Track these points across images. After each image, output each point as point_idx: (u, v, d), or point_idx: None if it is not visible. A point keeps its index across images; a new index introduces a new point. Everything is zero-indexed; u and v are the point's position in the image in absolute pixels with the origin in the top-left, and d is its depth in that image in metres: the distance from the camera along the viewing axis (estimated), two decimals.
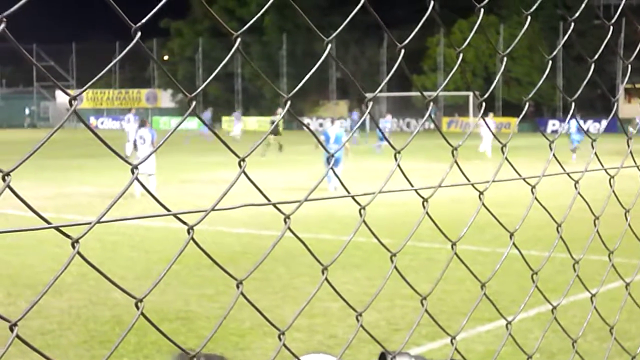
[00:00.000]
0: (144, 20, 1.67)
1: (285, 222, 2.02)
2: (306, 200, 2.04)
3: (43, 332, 9.66)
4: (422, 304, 2.51)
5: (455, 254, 2.57)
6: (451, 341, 2.62)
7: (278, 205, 2.00)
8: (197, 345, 7.08)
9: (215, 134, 1.89)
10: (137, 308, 1.75)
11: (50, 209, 19.56)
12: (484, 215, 2.65)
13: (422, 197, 2.40)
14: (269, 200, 1.97)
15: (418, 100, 74.22)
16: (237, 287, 1.97)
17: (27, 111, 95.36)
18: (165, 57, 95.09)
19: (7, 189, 1.46)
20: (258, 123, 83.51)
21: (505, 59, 2.75)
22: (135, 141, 25.02)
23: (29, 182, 25.47)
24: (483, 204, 2.58)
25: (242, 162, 1.90)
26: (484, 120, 2.58)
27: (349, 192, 2.17)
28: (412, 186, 2.36)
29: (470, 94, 71.04)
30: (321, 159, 29.99)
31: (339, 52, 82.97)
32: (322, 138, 28.37)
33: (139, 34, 1.66)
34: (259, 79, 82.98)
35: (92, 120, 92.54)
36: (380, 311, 10.12)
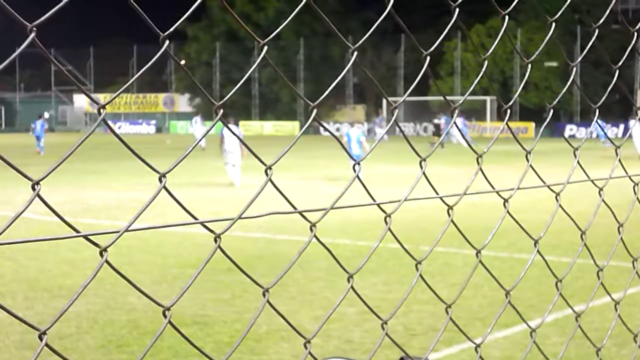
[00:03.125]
0: (171, 29, 1.67)
1: (312, 230, 2.02)
2: (332, 208, 2.03)
3: (61, 337, 9.67)
4: (447, 312, 2.50)
5: (480, 261, 2.56)
6: (475, 349, 2.61)
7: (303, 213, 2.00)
8: (214, 350, 7.10)
9: (242, 142, 1.89)
10: (165, 316, 1.76)
11: (67, 213, 19.60)
12: (501, 221, 2.64)
13: (448, 205, 2.39)
14: (295, 208, 1.96)
15: (435, 105, 74.14)
16: (264, 295, 1.98)
17: (46, 115, 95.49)
18: (182, 62, 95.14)
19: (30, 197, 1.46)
20: (274, 128, 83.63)
21: (529, 66, 2.73)
22: (222, 137, 28.96)
23: (45, 186, 25.44)
24: (508, 211, 2.57)
25: (268, 170, 1.89)
26: (508, 126, 2.57)
27: (374, 200, 2.16)
28: (437, 193, 2.35)
29: (488, 98, 70.98)
30: (341, 163, 30.03)
31: (356, 57, 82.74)
32: (344, 140, 29.50)
33: (167, 42, 1.65)
34: (276, 84, 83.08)
35: (110, 125, 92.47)
36: (397, 316, 10.09)
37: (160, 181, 1.67)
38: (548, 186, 2.75)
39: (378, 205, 2.17)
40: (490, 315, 10.17)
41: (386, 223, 2.21)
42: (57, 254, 14.09)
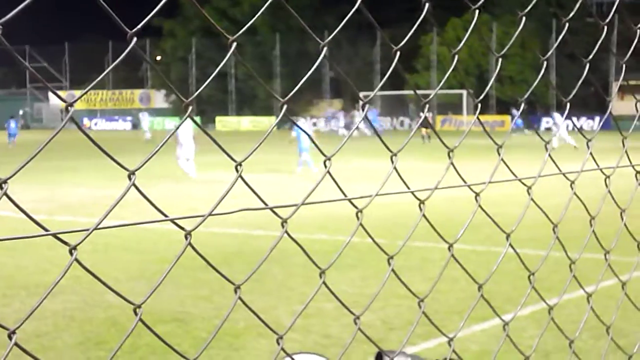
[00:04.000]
0: (139, 26, 1.66)
1: (283, 226, 2.02)
2: (303, 204, 2.04)
3: (38, 335, 9.63)
4: (420, 306, 2.51)
5: (452, 255, 2.57)
6: (449, 342, 2.62)
7: (275, 209, 2.00)
8: (193, 346, 7.10)
9: (210, 137, 1.88)
10: (136, 314, 1.75)
11: (43, 211, 19.52)
12: (478, 215, 2.64)
13: (419, 199, 2.40)
14: (265, 204, 1.96)
15: (410, 99, 74.28)
16: (235, 291, 1.98)
17: (20, 112, 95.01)
18: (158, 58, 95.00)
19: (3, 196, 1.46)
20: (252, 123, 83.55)
21: (500, 59, 2.75)
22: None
23: (20, 184, 25.43)
24: (479, 205, 2.58)
25: (239, 167, 1.89)
26: (479, 119, 2.57)
27: (345, 195, 2.17)
28: (409, 188, 2.35)
29: (464, 92, 71.12)
30: (316, 158, 30.05)
31: (332, 52, 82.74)
32: (293, 134, 32.70)
33: (135, 39, 1.65)
34: (253, 80, 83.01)
35: (86, 122, 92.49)
36: (374, 311, 10.11)
37: (130, 179, 1.67)
38: (519, 180, 2.76)
39: (349, 200, 2.18)
40: (467, 309, 10.19)
41: (358, 218, 2.21)
42: (35, 252, 14.02)
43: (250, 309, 1.96)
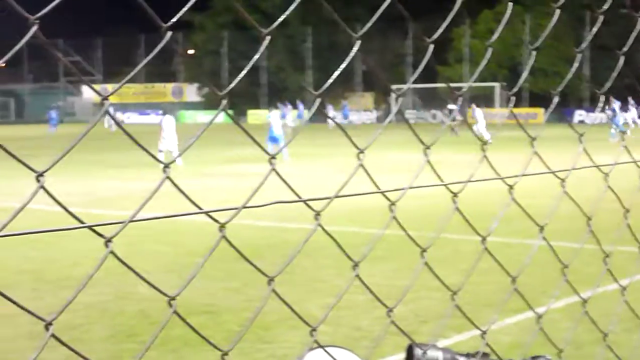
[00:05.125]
0: (173, 20, 1.66)
1: (316, 218, 2.02)
2: (337, 196, 2.03)
3: (71, 327, 9.69)
4: (453, 299, 2.49)
5: (486, 248, 2.55)
6: (482, 335, 2.61)
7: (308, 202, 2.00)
8: (224, 339, 7.12)
9: (245, 130, 1.88)
10: (170, 306, 1.76)
11: (76, 204, 19.64)
12: (511, 207, 2.62)
13: (452, 192, 2.39)
14: (299, 197, 1.96)
15: (443, 91, 74.04)
16: (269, 283, 1.98)
17: (59, 104, 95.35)
18: (191, 51, 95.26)
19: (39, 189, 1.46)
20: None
21: (534, 52, 2.72)
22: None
23: (53, 177, 25.52)
24: (513, 198, 2.56)
25: (272, 160, 1.89)
26: (513, 113, 2.55)
27: (379, 188, 2.16)
28: (442, 181, 2.34)
29: (497, 84, 70.83)
30: (348, 151, 30.01)
31: (363, 44, 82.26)
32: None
33: (169, 34, 1.64)
34: (284, 72, 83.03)
35: (119, 115, 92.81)
36: (406, 303, 10.09)
37: (164, 172, 1.68)
38: (553, 172, 2.73)
39: (382, 193, 2.16)
40: (500, 301, 10.15)
41: (391, 211, 2.20)
42: (65, 245, 14.09)
43: (283, 300, 1.96)
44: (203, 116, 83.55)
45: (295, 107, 72.88)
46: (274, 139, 33.17)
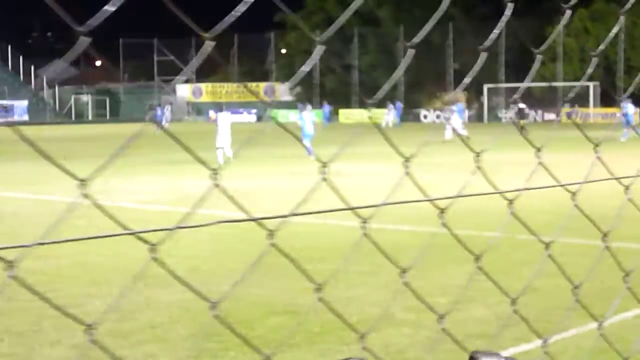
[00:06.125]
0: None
1: (440, 215, 1.99)
2: (460, 196, 1.98)
3: (152, 325, 9.75)
4: (573, 294, 2.46)
5: (609, 248, 2.49)
6: (599, 326, 2.51)
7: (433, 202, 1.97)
8: (304, 340, 7.01)
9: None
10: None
11: (165, 202, 19.83)
12: (633, 209, 2.52)
13: (570, 192, 2.34)
14: (428, 196, 1.93)
15: (537, 90, 73.11)
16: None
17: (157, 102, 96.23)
18: (283, 51, 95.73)
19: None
20: (375, 115, 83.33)
21: (625, 50, 2.62)
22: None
23: (143, 176, 25.89)
24: (629, 199, 2.47)
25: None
26: (627, 105, 2.43)
27: (496, 188, 2.11)
28: (558, 182, 2.30)
29: (591, 84, 69.75)
30: (437, 150, 29.78)
31: (456, 43, 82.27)
32: (299, 123, 35.59)
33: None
34: (376, 71, 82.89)
35: (212, 114, 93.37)
36: (489, 306, 9.91)
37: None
38: None
39: (501, 193, 2.13)
40: (590, 305, 9.90)
41: (510, 209, 2.16)
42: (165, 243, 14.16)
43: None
44: (295, 115, 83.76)
45: (394, 106, 73.09)
46: (307, 136, 35.10)
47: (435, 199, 2.15)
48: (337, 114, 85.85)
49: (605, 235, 2.47)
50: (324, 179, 1.81)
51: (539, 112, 76.78)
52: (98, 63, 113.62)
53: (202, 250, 13.86)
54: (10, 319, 10.03)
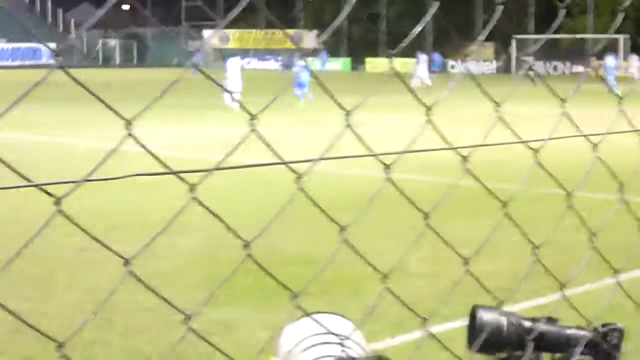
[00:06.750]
0: None
1: (464, 162, 2.16)
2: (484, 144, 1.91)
3: (164, 273, 9.68)
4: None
5: (624, 201, 2.41)
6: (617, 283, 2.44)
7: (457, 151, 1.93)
8: (319, 290, 6.81)
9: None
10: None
11: (174, 148, 19.80)
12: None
13: (592, 143, 2.27)
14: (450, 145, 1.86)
15: (565, 42, 72.46)
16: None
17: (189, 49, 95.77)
18: None
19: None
20: (401, 65, 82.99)
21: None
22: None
23: (158, 124, 25.85)
24: None
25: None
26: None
27: (521, 139, 2.04)
28: (581, 132, 2.25)
29: (621, 36, 69.06)
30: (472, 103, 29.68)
31: None
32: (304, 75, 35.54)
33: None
34: (404, 20, 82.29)
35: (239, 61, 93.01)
36: (503, 261, 9.76)
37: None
38: None
39: (526, 142, 2.06)
40: (603, 261, 9.74)
41: (535, 158, 2.10)
42: (172, 188, 14.11)
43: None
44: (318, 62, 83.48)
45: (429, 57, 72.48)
46: (300, 85, 36.01)
47: (458, 147, 2.06)
48: (363, 62, 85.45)
49: (621, 186, 2.36)
50: (348, 126, 1.73)
51: (567, 64, 76.12)
52: (126, 7, 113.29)
53: (217, 197, 13.73)
54: (26, 265, 9.99)
